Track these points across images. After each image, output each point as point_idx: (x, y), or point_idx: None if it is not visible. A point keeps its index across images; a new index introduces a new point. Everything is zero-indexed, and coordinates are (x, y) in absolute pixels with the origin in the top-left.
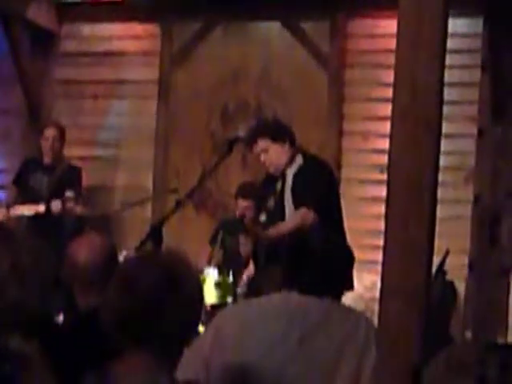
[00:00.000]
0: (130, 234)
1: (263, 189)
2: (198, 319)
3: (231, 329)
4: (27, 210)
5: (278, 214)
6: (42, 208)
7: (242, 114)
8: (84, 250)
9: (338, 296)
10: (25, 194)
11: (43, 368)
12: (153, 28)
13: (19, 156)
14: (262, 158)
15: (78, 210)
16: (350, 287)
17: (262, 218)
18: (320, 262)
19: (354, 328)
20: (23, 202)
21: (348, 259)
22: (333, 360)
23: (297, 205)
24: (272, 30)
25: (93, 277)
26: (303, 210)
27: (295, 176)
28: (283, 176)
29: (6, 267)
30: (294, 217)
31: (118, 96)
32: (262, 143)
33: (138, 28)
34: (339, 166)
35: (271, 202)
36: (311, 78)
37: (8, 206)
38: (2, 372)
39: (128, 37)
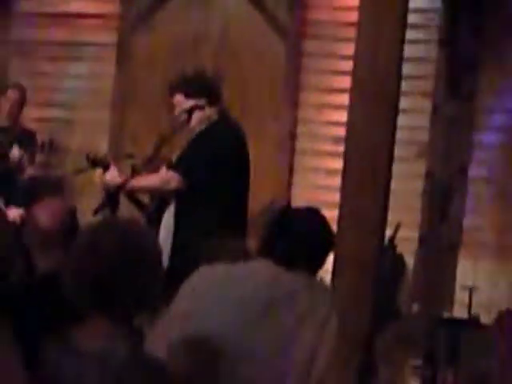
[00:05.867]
0: (84, 198)
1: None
2: (160, 285)
3: (201, 289)
4: None
5: None
6: None
7: None
8: (45, 213)
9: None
10: None
11: (2, 329)
12: None
13: None
14: (176, 113)
15: (31, 170)
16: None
17: None
18: (305, 238)
19: (317, 302)
20: None
21: (330, 242)
22: (293, 329)
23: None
24: None
25: (53, 240)
26: (166, 173)
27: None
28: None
29: None
30: (155, 176)
31: (76, 58)
32: (176, 98)
33: None
34: (294, 137)
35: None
36: (269, 47)
37: None
38: None
39: None
